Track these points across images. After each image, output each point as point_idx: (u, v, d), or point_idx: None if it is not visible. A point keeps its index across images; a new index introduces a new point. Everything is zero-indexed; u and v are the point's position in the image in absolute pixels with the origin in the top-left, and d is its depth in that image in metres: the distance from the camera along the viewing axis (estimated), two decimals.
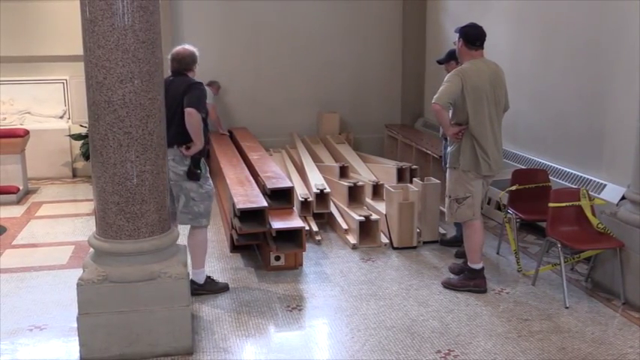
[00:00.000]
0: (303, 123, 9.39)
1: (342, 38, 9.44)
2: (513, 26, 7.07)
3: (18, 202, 7.56)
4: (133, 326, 3.92)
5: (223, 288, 5.03)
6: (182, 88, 4.68)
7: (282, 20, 9.24)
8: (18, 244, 6.19)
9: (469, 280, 5.00)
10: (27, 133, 7.97)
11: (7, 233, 6.49)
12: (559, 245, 4.79)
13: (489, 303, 4.80)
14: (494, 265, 5.56)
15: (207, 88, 7.88)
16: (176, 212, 4.78)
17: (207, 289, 4.96)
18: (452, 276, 5.25)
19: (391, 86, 9.73)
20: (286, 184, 5.93)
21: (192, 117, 4.61)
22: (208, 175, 4.84)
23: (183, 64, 4.85)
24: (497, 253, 5.81)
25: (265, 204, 5.43)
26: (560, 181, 5.97)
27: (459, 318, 4.56)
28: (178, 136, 4.62)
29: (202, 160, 4.75)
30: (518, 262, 5.39)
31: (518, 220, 5.53)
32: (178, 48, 4.93)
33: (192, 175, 4.69)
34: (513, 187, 5.49)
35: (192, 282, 4.84)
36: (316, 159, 7.89)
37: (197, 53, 4.92)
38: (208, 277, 5.02)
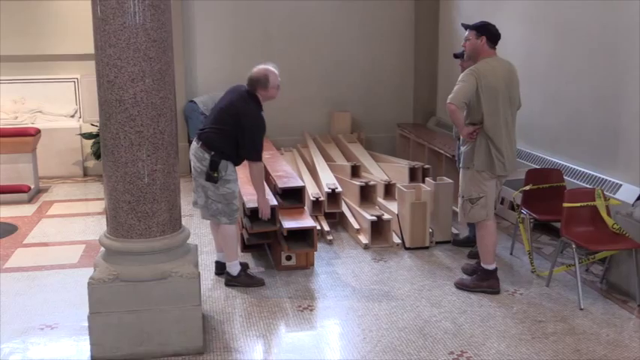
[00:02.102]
0: (315, 122, 9.39)
1: (354, 36, 9.43)
2: (527, 24, 7.04)
3: (29, 201, 7.61)
4: (143, 325, 3.94)
5: (257, 282, 5.10)
6: (241, 111, 4.79)
7: (294, 19, 9.24)
8: (29, 243, 6.23)
9: (482, 280, 4.99)
10: (38, 132, 8.02)
11: (18, 232, 6.53)
12: (574, 246, 4.76)
13: (503, 304, 4.78)
14: (507, 265, 5.54)
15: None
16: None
17: (239, 281, 5.05)
18: (465, 277, 5.23)
19: (403, 85, 9.71)
20: (297, 183, 5.94)
21: (254, 170, 4.89)
22: (232, 178, 4.87)
23: (249, 85, 4.92)
24: (511, 254, 5.79)
25: (276, 203, 5.44)
26: (575, 181, 5.94)
27: (472, 319, 4.54)
28: (209, 139, 4.79)
29: (224, 162, 4.79)
30: (532, 263, 5.37)
31: (532, 220, 5.51)
32: (256, 67, 4.95)
33: (209, 177, 4.77)
34: (527, 187, 5.47)
35: (227, 273, 5.06)
36: (328, 158, 7.89)
37: (270, 76, 4.89)
38: (244, 271, 5.10)
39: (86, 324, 3.97)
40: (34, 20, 8.76)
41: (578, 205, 4.90)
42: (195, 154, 4.83)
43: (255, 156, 4.86)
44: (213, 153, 4.76)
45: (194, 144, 4.88)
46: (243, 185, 5.85)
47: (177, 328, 3.98)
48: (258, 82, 4.89)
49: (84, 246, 6.09)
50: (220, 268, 5.23)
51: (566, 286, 5.06)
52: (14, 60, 8.70)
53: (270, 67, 4.95)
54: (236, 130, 4.78)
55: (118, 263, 3.94)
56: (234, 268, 5.06)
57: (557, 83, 6.51)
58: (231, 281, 5.06)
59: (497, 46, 4.84)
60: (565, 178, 5.70)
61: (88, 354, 3.97)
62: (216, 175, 4.75)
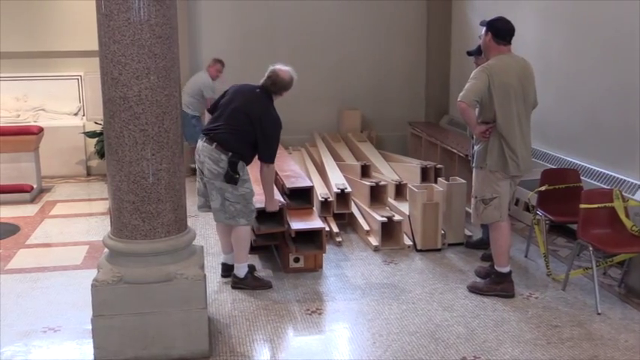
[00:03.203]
0: (324, 120, 9.40)
1: (363, 32, 9.43)
2: (541, 20, 7.02)
3: (32, 200, 7.65)
4: (148, 328, 3.95)
5: (265, 285, 5.12)
6: (259, 112, 4.82)
7: (302, 14, 9.25)
8: (32, 244, 6.27)
9: (496, 284, 4.98)
10: (41, 130, 8.06)
11: (20, 233, 6.57)
12: (591, 248, 4.74)
13: (517, 308, 4.77)
14: (522, 268, 5.53)
15: (205, 74, 7.99)
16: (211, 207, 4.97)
17: (246, 283, 5.07)
18: (478, 280, 5.22)
19: (415, 82, 9.70)
20: (306, 183, 5.95)
21: (265, 172, 4.93)
22: (247, 177, 4.90)
23: (272, 85, 4.93)
24: (526, 257, 5.77)
25: (284, 203, 5.44)
26: (592, 182, 5.91)
27: (485, 323, 4.54)
28: (224, 140, 4.78)
29: (241, 163, 4.81)
30: (547, 266, 5.35)
31: (547, 221, 5.49)
32: (281, 68, 4.96)
33: (230, 179, 4.77)
34: (543, 188, 5.45)
35: (234, 275, 5.07)
36: (337, 157, 7.89)
37: (293, 80, 4.97)
38: (251, 273, 5.12)
39: (89, 327, 3.98)
40: (37, 16, 8.81)
41: (596, 206, 4.88)
42: (210, 155, 4.78)
43: (271, 158, 4.90)
44: (231, 154, 4.76)
45: (205, 145, 4.84)
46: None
47: (183, 331, 3.99)
48: (286, 86, 4.95)
49: (87, 247, 6.12)
50: (226, 270, 5.24)
51: (583, 289, 5.04)
52: (16, 57, 8.76)
53: (291, 69, 5.00)
54: (254, 131, 4.80)
55: (122, 265, 3.96)
56: (241, 270, 5.07)
57: (574, 80, 6.48)
58: (238, 283, 5.07)
59: (511, 43, 4.82)
60: (582, 178, 5.67)
61: (91, 357, 3.99)
62: (237, 176, 4.76)
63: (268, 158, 4.90)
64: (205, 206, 5.06)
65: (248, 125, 4.81)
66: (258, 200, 5.27)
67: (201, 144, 4.89)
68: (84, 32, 8.26)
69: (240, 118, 4.83)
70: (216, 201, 4.87)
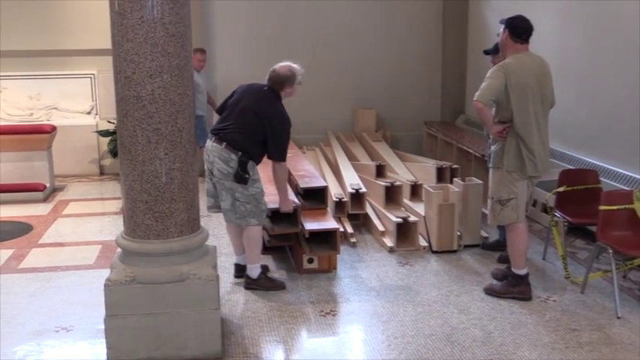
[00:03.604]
0: (338, 119, 9.39)
1: (379, 31, 9.42)
2: (560, 18, 6.98)
3: (45, 199, 7.71)
4: (161, 329, 3.97)
5: (278, 286, 5.12)
6: (267, 111, 4.84)
7: (317, 14, 9.24)
8: (44, 243, 6.32)
9: (513, 286, 4.95)
10: (54, 129, 8.12)
11: (33, 232, 6.62)
12: (610, 251, 4.71)
13: (535, 311, 4.75)
14: (540, 271, 5.50)
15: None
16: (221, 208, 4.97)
17: (259, 284, 5.07)
18: (495, 282, 5.20)
19: (431, 81, 9.67)
20: (320, 183, 5.94)
21: (278, 171, 4.95)
22: (257, 177, 4.91)
23: (275, 83, 4.96)
24: (544, 259, 5.74)
25: (298, 203, 5.44)
26: (612, 183, 5.87)
27: (502, 327, 4.52)
28: (233, 139, 4.79)
29: (251, 162, 4.82)
30: (565, 269, 5.32)
31: (566, 223, 5.45)
32: (279, 64, 5.00)
33: (240, 179, 4.78)
34: (561, 189, 5.42)
35: (247, 276, 5.08)
36: (351, 157, 7.89)
37: (296, 74, 4.98)
38: (264, 274, 5.12)
39: (102, 326, 4.01)
40: (50, 15, 8.86)
41: (615, 207, 4.84)
42: (220, 155, 4.80)
43: (282, 156, 4.91)
44: (240, 153, 4.77)
45: (214, 145, 4.86)
46: (264, 184, 5.87)
47: (195, 332, 4.00)
48: (287, 80, 4.94)
49: (100, 246, 6.16)
50: (240, 271, 5.25)
51: (602, 293, 5.01)
52: (29, 55, 8.82)
53: (293, 64, 5.00)
54: (263, 130, 4.81)
55: (134, 265, 3.98)
56: (255, 271, 5.08)
57: (592, 79, 6.44)
58: (251, 284, 5.08)
59: (529, 41, 4.80)
60: (601, 179, 5.63)
61: (104, 357, 4.01)
62: (247, 175, 4.78)
63: (278, 156, 4.91)
64: (215, 207, 5.07)
65: (257, 124, 4.82)
66: (272, 201, 5.28)
67: (210, 144, 4.90)
68: (97, 31, 8.30)
69: (248, 117, 4.84)
70: (227, 201, 4.88)
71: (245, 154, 4.78)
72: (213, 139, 4.89)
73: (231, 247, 5.44)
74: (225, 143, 4.81)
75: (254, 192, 4.86)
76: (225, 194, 4.87)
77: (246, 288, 5.09)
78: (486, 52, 5.70)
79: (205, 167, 5.02)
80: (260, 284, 5.07)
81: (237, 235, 5.18)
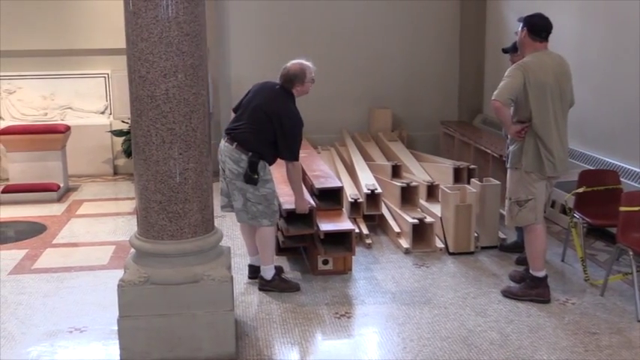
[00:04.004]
0: (354, 119, 9.38)
1: (395, 29, 9.39)
2: (580, 16, 6.93)
3: (58, 199, 7.77)
4: (174, 330, 3.99)
5: (293, 287, 5.14)
6: (278, 110, 4.84)
7: (332, 12, 9.22)
8: (58, 244, 6.37)
9: (531, 288, 4.93)
10: (68, 128, 8.18)
11: (47, 232, 6.68)
12: (631, 253, 4.68)
13: (553, 314, 4.73)
14: (558, 273, 5.47)
15: None
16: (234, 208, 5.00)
17: (274, 285, 5.09)
18: (512, 284, 5.18)
19: (448, 80, 9.64)
20: (335, 183, 5.94)
21: (292, 171, 4.97)
22: (269, 177, 4.93)
23: (286, 82, 4.97)
24: (562, 261, 5.71)
25: (313, 205, 5.45)
26: (632, 183, 5.83)
27: (519, 329, 4.50)
28: (244, 139, 4.80)
29: (262, 163, 4.83)
30: (585, 271, 5.29)
31: (585, 225, 5.42)
32: (290, 62, 5.01)
33: (249, 179, 4.79)
34: (580, 190, 5.39)
35: (261, 277, 5.09)
36: (367, 157, 7.89)
37: (307, 71, 4.98)
38: (278, 275, 5.14)
39: (116, 327, 4.03)
40: (64, 14, 8.92)
41: (637, 208, 4.81)
42: (231, 155, 4.83)
43: (293, 156, 4.92)
44: (250, 154, 4.79)
45: (226, 145, 4.89)
46: (279, 185, 5.88)
47: (209, 333, 4.02)
48: (297, 78, 4.94)
49: (114, 247, 6.20)
50: (254, 272, 5.27)
51: (623, 296, 4.97)
52: (43, 55, 8.88)
53: (304, 61, 5.00)
54: (274, 130, 4.82)
55: (148, 265, 4.00)
56: (269, 272, 5.09)
57: (613, 78, 6.40)
58: (265, 285, 5.09)
59: (548, 40, 4.78)
60: (621, 179, 5.60)
61: (117, 358, 4.04)
62: (256, 176, 4.79)
63: (290, 156, 4.92)
64: (228, 206, 5.09)
65: (267, 123, 4.83)
66: (288, 201, 5.29)
67: (222, 143, 4.94)
68: (111, 30, 8.35)
69: (259, 117, 4.86)
70: (239, 201, 4.90)
71: (255, 154, 4.79)
72: (226, 138, 4.93)
73: (245, 248, 5.46)
74: (236, 143, 4.83)
75: (265, 192, 4.87)
76: (237, 194, 4.89)
77: (260, 289, 5.11)
78: (505, 51, 5.68)
79: (219, 167, 5.04)
80: (274, 285, 5.08)
81: (250, 235, 5.20)
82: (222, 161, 4.93)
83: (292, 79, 4.94)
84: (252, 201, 4.87)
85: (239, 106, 5.10)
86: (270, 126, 4.83)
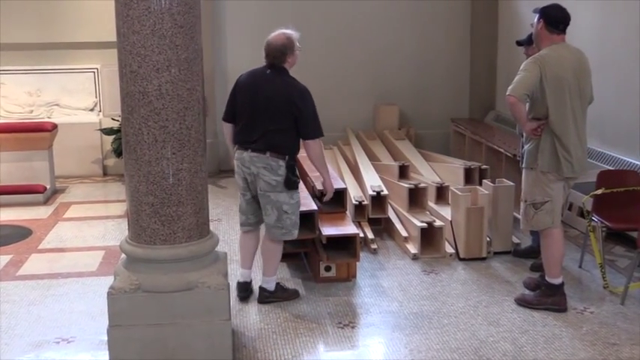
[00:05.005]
0: (358, 116, 9.38)
1: (402, 21, 9.39)
2: (600, 7, 6.93)
3: (45, 202, 7.77)
4: (168, 340, 3.99)
5: (293, 294, 5.14)
6: (285, 92, 4.73)
7: (335, 3, 9.22)
8: (44, 249, 6.37)
9: (547, 296, 4.93)
10: (55, 127, 8.18)
11: (32, 236, 6.68)
12: None
13: (570, 324, 4.72)
14: (576, 280, 5.47)
15: None
16: (263, 221, 4.94)
17: (277, 296, 5.07)
18: (527, 292, 5.18)
19: (458, 74, 9.63)
20: (338, 184, 5.94)
21: (316, 149, 4.83)
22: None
23: (278, 57, 4.80)
24: (580, 267, 5.71)
25: (315, 207, 5.45)
26: None
27: (534, 340, 4.50)
28: (275, 143, 4.71)
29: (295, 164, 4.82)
30: (604, 278, 5.29)
31: (604, 228, 5.42)
32: (273, 34, 4.85)
33: (291, 184, 4.75)
34: (599, 191, 5.39)
35: (263, 289, 5.04)
36: (372, 157, 7.89)
37: (293, 38, 4.82)
38: (278, 284, 5.12)
39: (105, 338, 4.04)
40: (50, 5, 8.92)
41: None
42: (267, 165, 4.69)
43: (320, 130, 4.82)
44: (287, 157, 4.74)
45: (255, 155, 4.70)
46: None
47: (205, 344, 4.02)
48: (287, 48, 4.79)
49: (103, 252, 6.20)
50: (245, 290, 5.11)
51: None
52: (29, 48, 8.88)
53: (285, 30, 4.85)
54: (294, 117, 4.71)
55: (140, 272, 4.00)
56: (272, 284, 5.06)
57: (635, 73, 6.39)
58: (269, 298, 5.04)
59: (566, 32, 4.77)
60: None
61: None
62: (295, 178, 4.76)
63: (316, 133, 4.79)
64: (247, 224, 4.98)
65: (286, 114, 4.70)
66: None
67: (247, 155, 4.76)
68: (101, 22, 8.35)
69: (275, 112, 4.71)
70: (272, 216, 4.80)
71: (291, 156, 4.75)
72: (251, 149, 4.74)
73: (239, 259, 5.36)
74: (268, 152, 4.70)
75: (297, 199, 4.87)
76: (270, 209, 4.79)
77: (263, 302, 5.02)
78: (519, 43, 5.68)
79: (238, 182, 4.90)
80: (277, 297, 5.06)
81: (253, 248, 5.11)
82: (253, 174, 4.76)
83: (283, 52, 4.79)
84: (289, 213, 4.80)
85: (234, 113, 4.91)
86: (290, 115, 4.71)
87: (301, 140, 4.84)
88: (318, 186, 5.78)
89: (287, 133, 4.75)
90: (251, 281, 5.17)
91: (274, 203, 4.78)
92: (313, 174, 6.13)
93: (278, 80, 4.80)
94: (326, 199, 5.12)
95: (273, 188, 4.74)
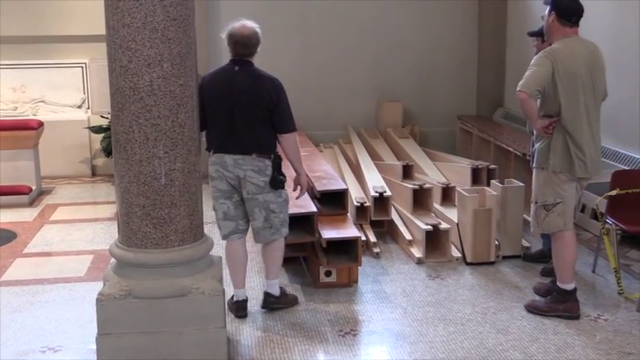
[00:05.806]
0: (360, 114, 9.38)
1: (407, 14, 9.38)
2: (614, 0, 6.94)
3: (30, 204, 7.77)
4: (159, 349, 4.00)
5: (293, 301, 5.14)
6: (260, 86, 4.68)
7: None
8: (30, 253, 6.37)
9: (558, 303, 4.93)
10: (41, 124, 8.18)
11: (17, 240, 6.67)
12: None
13: (583, 331, 4.72)
14: (589, 285, 5.48)
15: None
16: (250, 229, 4.91)
17: (282, 301, 5.06)
18: (537, 298, 5.19)
19: (465, 70, 9.64)
20: (339, 185, 5.95)
21: (292, 143, 4.81)
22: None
23: (249, 47, 4.74)
24: (593, 272, 5.72)
25: (314, 209, 5.45)
26: None
27: (545, 349, 4.50)
28: (258, 142, 4.69)
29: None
30: (619, 283, 5.29)
31: (619, 231, 5.42)
32: (237, 26, 4.76)
33: (278, 183, 4.74)
34: (613, 192, 5.39)
35: (268, 294, 5.01)
36: (375, 156, 7.89)
37: (258, 30, 4.78)
38: (281, 288, 5.12)
39: (94, 346, 4.05)
40: None
41: None
42: (254, 167, 4.66)
43: (293, 124, 4.81)
44: (272, 156, 4.73)
45: (240, 158, 4.65)
46: None
47: (199, 353, 4.02)
48: (258, 41, 4.76)
49: (92, 256, 6.20)
50: (244, 309, 4.98)
51: None
52: (13, 42, 8.87)
53: (246, 22, 4.78)
54: (270, 111, 4.69)
55: (130, 277, 4.01)
56: (277, 287, 5.05)
57: None
58: (276, 303, 5.02)
59: (579, 25, 4.77)
60: None
61: None
62: (282, 177, 4.76)
63: (291, 126, 4.78)
64: (236, 231, 4.87)
65: (264, 111, 4.67)
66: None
67: (231, 159, 4.68)
68: (89, 15, 8.35)
69: (253, 110, 4.67)
70: (259, 219, 4.78)
71: (275, 153, 4.75)
72: (237, 151, 4.67)
73: (232, 276, 5.21)
74: (254, 154, 4.67)
75: (285, 196, 4.86)
76: (257, 211, 4.77)
77: (270, 308, 5.00)
78: (531, 34, 5.67)
79: (220, 187, 4.77)
80: (283, 302, 5.06)
81: (246, 259, 5.05)
82: (238, 177, 4.70)
83: (255, 44, 4.75)
84: (276, 212, 4.79)
85: (205, 117, 4.65)
86: (267, 111, 4.68)
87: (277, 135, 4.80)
88: (318, 187, 5.80)
89: (267, 129, 4.73)
90: (246, 299, 5.04)
91: (262, 204, 4.75)
92: (313, 174, 6.14)
93: (250, 75, 4.74)
94: (299, 195, 5.05)
95: (262, 190, 4.72)
